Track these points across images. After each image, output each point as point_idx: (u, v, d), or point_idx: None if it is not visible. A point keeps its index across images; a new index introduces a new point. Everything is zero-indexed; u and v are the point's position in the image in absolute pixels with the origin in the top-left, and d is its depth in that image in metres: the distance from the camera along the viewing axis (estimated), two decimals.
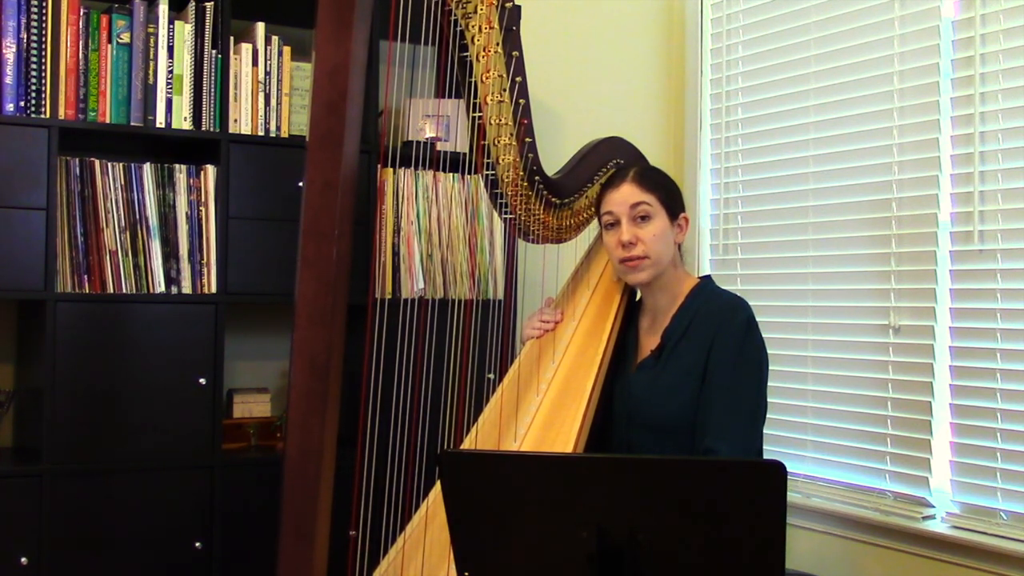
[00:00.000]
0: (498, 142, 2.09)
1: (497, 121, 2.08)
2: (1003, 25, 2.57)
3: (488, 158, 2.11)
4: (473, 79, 2.05)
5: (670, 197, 2.18)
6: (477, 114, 2.08)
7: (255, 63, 2.68)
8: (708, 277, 2.27)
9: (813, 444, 2.99)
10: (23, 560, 2.37)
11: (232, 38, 2.65)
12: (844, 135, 2.95)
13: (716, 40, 3.42)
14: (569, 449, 2.00)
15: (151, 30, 2.55)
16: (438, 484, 2.08)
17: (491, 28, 2.03)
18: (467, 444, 2.14)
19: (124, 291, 2.50)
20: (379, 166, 2.75)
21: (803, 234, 3.06)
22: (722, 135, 3.37)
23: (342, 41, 1.65)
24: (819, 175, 3.02)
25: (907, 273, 2.77)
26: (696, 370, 2.07)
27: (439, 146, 2.85)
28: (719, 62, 3.40)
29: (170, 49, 2.57)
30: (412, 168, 2.80)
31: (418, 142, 2.85)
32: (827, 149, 3.00)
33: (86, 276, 2.47)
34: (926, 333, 2.71)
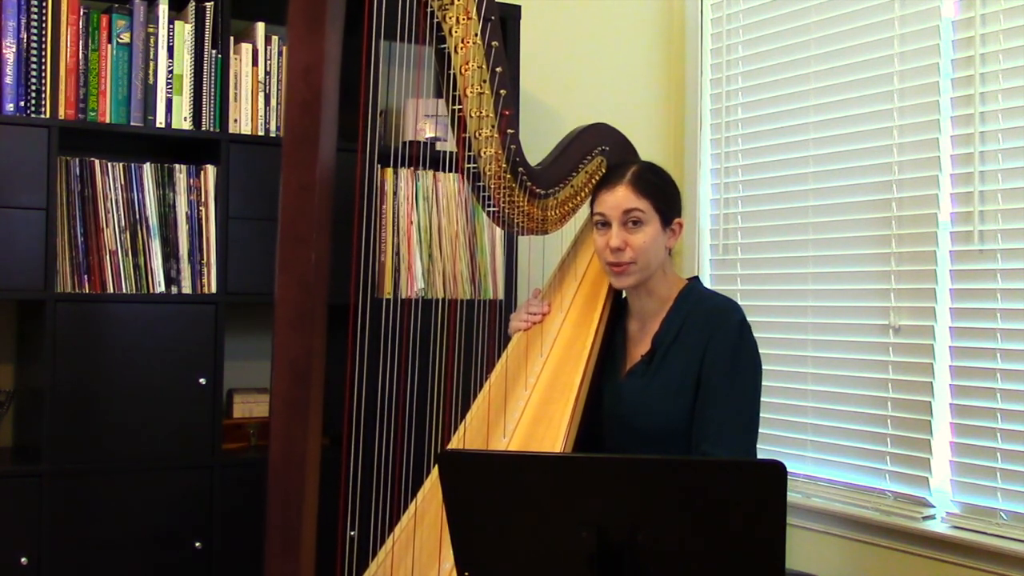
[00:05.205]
0: (479, 135, 2.06)
1: (478, 113, 2.04)
2: (1003, 25, 2.57)
3: (470, 151, 2.08)
4: (452, 71, 2.02)
5: (665, 203, 2.12)
6: (457, 107, 2.04)
7: (255, 63, 2.68)
8: (696, 278, 2.23)
9: (813, 444, 2.99)
10: (23, 560, 2.37)
11: (232, 38, 2.65)
12: (844, 135, 2.95)
13: (716, 40, 3.42)
14: (558, 444, 1.98)
15: (151, 30, 2.55)
16: (426, 482, 2.07)
17: (469, 19, 1.99)
18: (455, 441, 2.12)
19: (124, 291, 2.50)
20: (379, 166, 2.74)
21: (803, 234, 3.06)
22: (722, 135, 3.37)
23: (315, 40, 1.64)
24: (819, 175, 3.02)
25: (907, 273, 2.77)
26: (689, 376, 2.05)
27: (439, 146, 2.85)
28: (719, 62, 3.40)
29: (170, 49, 2.57)
30: (412, 168, 2.79)
31: (418, 142, 2.85)
32: (827, 149, 3.00)
33: (86, 276, 2.47)
34: (926, 333, 2.71)
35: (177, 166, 2.59)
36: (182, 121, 2.58)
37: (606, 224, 2.12)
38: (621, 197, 2.10)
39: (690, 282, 2.20)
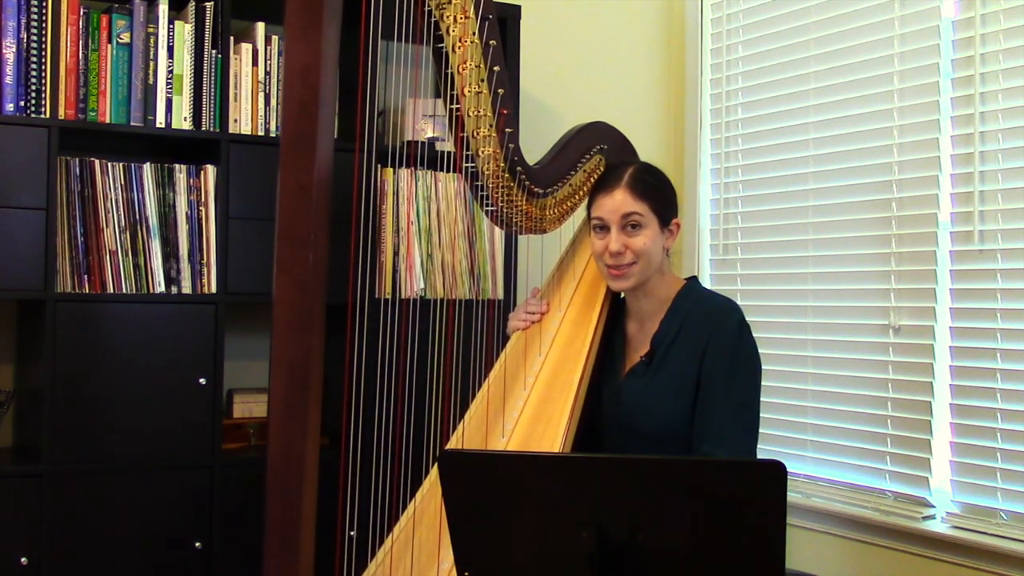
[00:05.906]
0: (477, 134, 2.05)
1: (475, 112, 2.04)
2: (1003, 25, 2.57)
3: (467, 150, 2.07)
4: (450, 70, 2.01)
5: (663, 204, 2.12)
6: (455, 106, 2.04)
7: (255, 63, 2.68)
8: (694, 278, 2.23)
9: (813, 444, 2.99)
10: (23, 560, 2.37)
11: (232, 38, 2.65)
12: (844, 135, 2.95)
13: (716, 40, 3.42)
14: (557, 443, 1.97)
15: (151, 30, 2.55)
16: (425, 482, 2.07)
17: (466, 18, 1.98)
18: (454, 441, 2.11)
19: (124, 291, 2.50)
20: (379, 166, 2.74)
21: (803, 234, 3.06)
22: (722, 135, 3.37)
23: (312, 39, 1.63)
24: (819, 175, 3.02)
25: (907, 273, 2.77)
26: (689, 376, 2.05)
27: (439, 146, 2.85)
28: (719, 62, 3.40)
29: (170, 49, 2.57)
30: (412, 168, 2.79)
31: (418, 142, 2.85)
32: (827, 149, 3.00)
33: (86, 276, 2.47)
34: (926, 333, 2.71)
35: (177, 166, 2.59)
36: (182, 121, 2.58)
37: (604, 228, 2.11)
38: (619, 201, 2.09)
39: (688, 282, 2.19)
